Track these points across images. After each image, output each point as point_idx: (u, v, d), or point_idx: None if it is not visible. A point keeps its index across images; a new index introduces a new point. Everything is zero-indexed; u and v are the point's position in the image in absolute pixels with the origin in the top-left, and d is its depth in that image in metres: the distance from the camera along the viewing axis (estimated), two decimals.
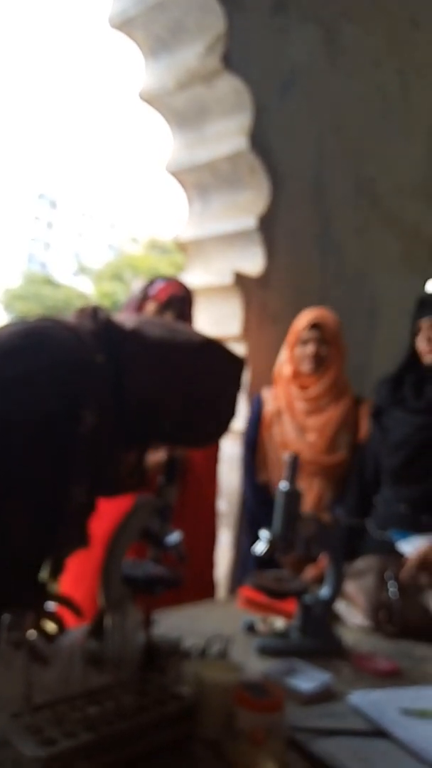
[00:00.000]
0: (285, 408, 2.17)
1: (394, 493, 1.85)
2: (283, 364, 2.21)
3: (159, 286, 1.99)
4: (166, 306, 1.95)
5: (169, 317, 1.94)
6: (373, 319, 3.01)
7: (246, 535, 2.30)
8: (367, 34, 2.89)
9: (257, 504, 2.20)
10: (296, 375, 2.17)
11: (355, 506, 1.95)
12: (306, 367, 2.13)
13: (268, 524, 2.14)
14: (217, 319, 2.54)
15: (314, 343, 2.12)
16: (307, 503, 2.05)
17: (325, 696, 1.14)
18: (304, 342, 2.14)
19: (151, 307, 1.96)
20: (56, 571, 1.20)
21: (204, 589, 2.00)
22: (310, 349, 2.12)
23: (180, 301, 1.97)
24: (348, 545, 1.82)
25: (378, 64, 2.96)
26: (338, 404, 2.15)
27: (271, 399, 2.22)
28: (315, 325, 2.13)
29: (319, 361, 2.13)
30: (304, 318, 2.17)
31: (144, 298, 1.98)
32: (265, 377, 2.34)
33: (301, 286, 2.69)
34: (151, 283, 2.02)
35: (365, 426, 2.12)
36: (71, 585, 1.84)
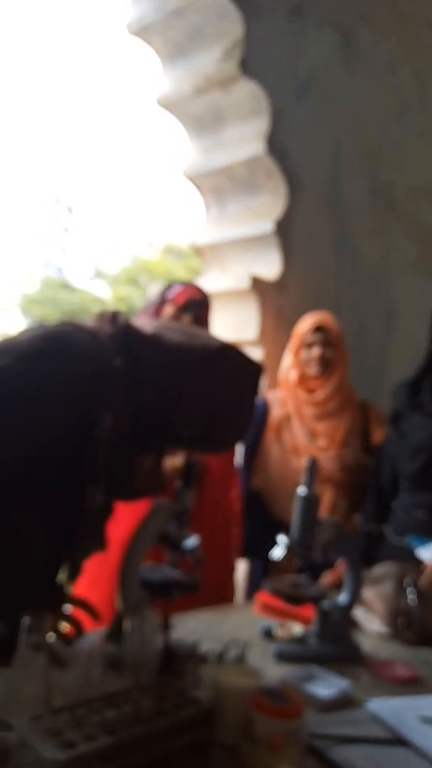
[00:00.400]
0: (294, 413, 2.16)
1: (412, 498, 1.83)
2: (289, 369, 2.20)
3: (176, 290, 2.00)
4: (183, 309, 1.96)
5: (186, 321, 1.95)
6: (389, 322, 2.99)
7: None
8: (384, 38, 2.88)
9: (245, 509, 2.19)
10: (302, 379, 2.16)
11: (372, 512, 1.94)
12: (312, 369, 2.13)
13: (250, 530, 2.12)
14: (234, 323, 2.54)
15: (319, 345, 2.12)
16: (322, 509, 2.04)
17: (343, 703, 1.13)
18: (309, 345, 2.14)
19: (168, 310, 1.97)
20: (73, 574, 1.21)
21: (223, 593, 2.00)
22: (315, 351, 2.12)
23: (197, 305, 1.99)
24: (366, 551, 1.81)
25: (394, 67, 2.95)
26: (346, 409, 2.15)
27: (277, 403, 2.21)
28: (319, 328, 2.14)
29: (325, 364, 2.12)
30: (308, 321, 2.17)
31: (162, 301, 1.99)
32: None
33: (318, 290, 2.69)
34: (168, 287, 2.03)
35: (377, 431, 2.11)
36: (87, 588, 1.84)
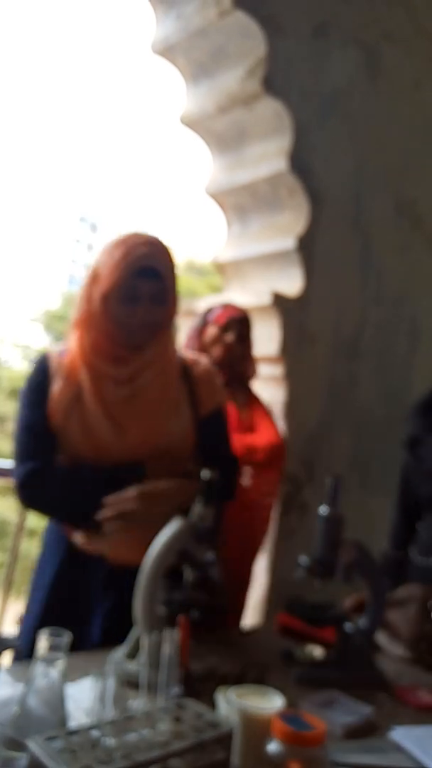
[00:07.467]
0: None
1: None
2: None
3: (217, 311, 2.12)
4: (225, 329, 2.09)
5: (229, 338, 2.07)
6: (413, 340, 2.96)
7: None
8: (408, 55, 2.88)
9: None
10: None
11: (397, 533, 1.89)
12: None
13: None
14: (255, 340, 2.53)
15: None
16: None
17: (366, 730, 1.09)
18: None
19: (211, 331, 2.09)
20: None
21: (237, 611, 1.97)
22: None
23: (239, 323, 2.12)
24: (391, 573, 1.77)
25: (418, 85, 2.94)
26: None
27: None
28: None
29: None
30: None
31: (204, 324, 2.10)
32: (303, 397, 2.32)
33: (340, 307, 2.67)
34: (209, 310, 2.15)
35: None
36: None
